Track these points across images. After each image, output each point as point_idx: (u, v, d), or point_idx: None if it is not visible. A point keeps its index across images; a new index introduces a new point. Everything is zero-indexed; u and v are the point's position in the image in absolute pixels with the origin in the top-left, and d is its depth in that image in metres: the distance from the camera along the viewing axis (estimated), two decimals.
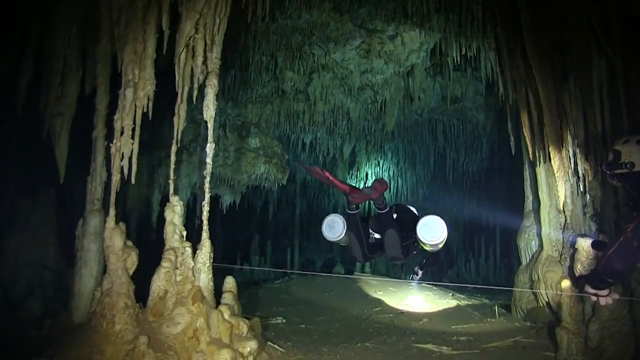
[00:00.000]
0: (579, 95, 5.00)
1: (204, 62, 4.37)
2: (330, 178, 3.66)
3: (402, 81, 9.15)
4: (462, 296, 8.03)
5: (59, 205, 6.49)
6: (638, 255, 2.06)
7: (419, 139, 11.83)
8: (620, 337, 4.41)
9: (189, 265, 4.09)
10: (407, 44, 7.85)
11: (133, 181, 4.05)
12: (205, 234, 4.25)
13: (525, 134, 5.53)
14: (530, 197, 6.82)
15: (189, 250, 4.13)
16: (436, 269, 5.97)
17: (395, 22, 7.59)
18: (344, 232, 4.39)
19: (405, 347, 5.19)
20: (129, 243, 3.97)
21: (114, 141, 3.97)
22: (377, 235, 4.67)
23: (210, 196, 4.34)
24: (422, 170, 12.55)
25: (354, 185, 4.65)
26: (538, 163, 5.86)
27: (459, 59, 8.23)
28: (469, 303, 7.44)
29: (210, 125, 4.43)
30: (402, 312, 6.78)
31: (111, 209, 3.90)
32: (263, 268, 10.96)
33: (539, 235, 6.17)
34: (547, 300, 5.86)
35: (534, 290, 5.72)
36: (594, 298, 2.31)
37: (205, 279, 4.17)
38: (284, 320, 6.24)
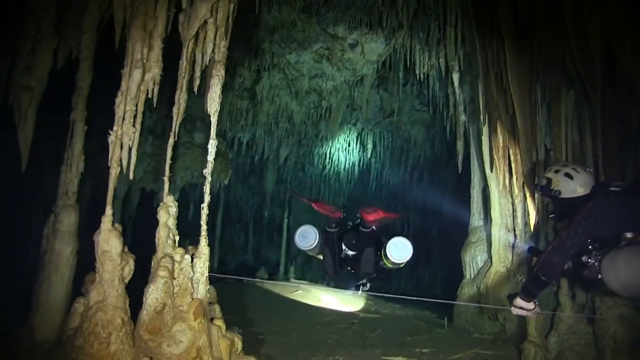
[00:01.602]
0: (548, 124, 5.47)
1: (213, 50, 3.97)
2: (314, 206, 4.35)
3: (349, 90, 9.23)
4: (397, 306, 8.27)
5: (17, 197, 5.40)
6: (569, 254, 2.61)
7: (347, 147, 12.04)
8: (579, 349, 4.86)
9: (188, 275, 3.65)
10: (366, 54, 7.92)
11: (132, 175, 3.52)
12: (204, 241, 3.82)
13: (496, 156, 5.84)
14: (476, 215, 7.27)
15: (188, 258, 3.68)
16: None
17: (358, 31, 7.62)
18: (316, 243, 4.58)
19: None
20: (125, 248, 3.42)
21: (115, 128, 3.41)
22: (350, 252, 4.86)
23: (147, 191, 3.96)
24: (346, 178, 12.78)
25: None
26: (498, 183, 6.26)
27: (407, 75, 8.60)
28: (410, 313, 7.68)
29: (214, 120, 4.03)
30: (353, 322, 6.78)
31: (108, 207, 3.34)
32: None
33: (489, 251, 6.60)
34: (494, 313, 6.29)
35: (490, 305, 6.05)
36: (517, 311, 2.80)
37: (202, 290, 3.74)
38: (240, 331, 5.86)
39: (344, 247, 4.89)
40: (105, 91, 4.04)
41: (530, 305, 2.79)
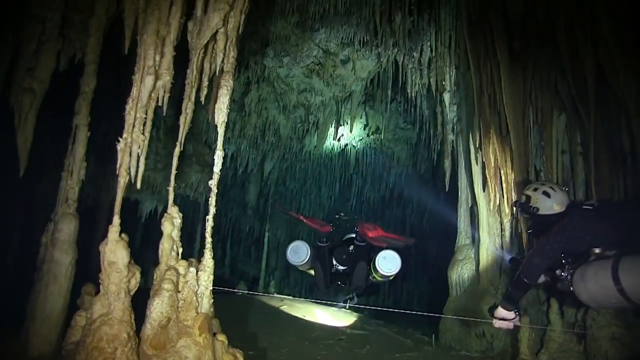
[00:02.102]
0: (540, 146, 5.63)
1: (223, 60, 3.93)
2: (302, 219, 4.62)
3: (336, 106, 9.28)
4: (380, 322, 8.25)
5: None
6: (549, 257, 2.81)
7: (329, 162, 12.06)
8: None
9: (193, 288, 3.54)
10: (357, 70, 8.01)
11: (139, 184, 3.43)
12: (208, 253, 3.73)
13: (488, 175, 5.95)
14: (463, 233, 7.37)
15: (193, 270, 3.58)
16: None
17: (350, 47, 7.70)
18: (308, 258, 4.70)
19: None
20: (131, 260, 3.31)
21: (124, 135, 3.32)
22: (341, 267, 4.97)
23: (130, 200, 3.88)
24: (327, 193, 12.78)
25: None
26: (487, 203, 6.37)
27: (394, 93, 8.72)
28: (394, 330, 7.67)
29: (220, 131, 3.98)
30: (341, 338, 6.71)
31: (115, 217, 3.23)
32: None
33: (477, 269, 6.69)
34: (481, 330, 6.34)
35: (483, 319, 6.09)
36: (499, 324, 2.95)
37: (207, 304, 3.64)
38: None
39: (334, 262, 5.02)
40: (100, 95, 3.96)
41: (511, 315, 2.93)
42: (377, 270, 4.41)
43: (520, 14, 5.48)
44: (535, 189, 3.12)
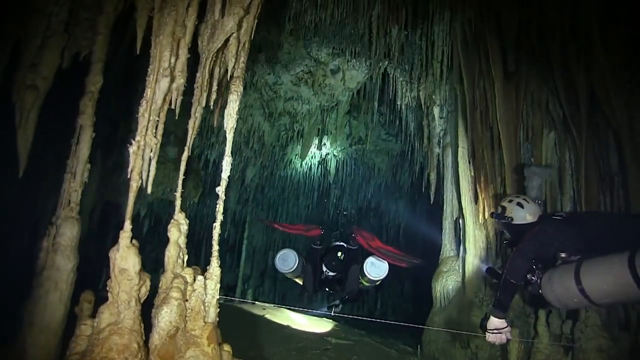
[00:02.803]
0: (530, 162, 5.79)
1: (234, 65, 3.88)
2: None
3: (321, 115, 9.30)
4: (362, 332, 8.25)
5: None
6: (528, 257, 3.00)
7: (308, 171, 12.04)
8: None
9: (201, 297, 3.45)
10: (346, 80, 8.06)
11: (149, 189, 3.34)
12: (215, 261, 3.65)
13: (479, 189, 6.07)
14: (448, 245, 7.48)
15: (201, 279, 3.49)
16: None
17: (342, 58, 7.75)
18: (296, 265, 4.77)
19: None
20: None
21: (137, 138, 3.22)
22: (331, 273, 5.05)
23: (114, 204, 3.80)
24: (304, 202, 12.74)
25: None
26: (474, 215, 6.50)
27: (379, 105, 8.82)
28: (378, 341, 7.68)
29: (229, 137, 3.92)
30: (327, 348, 6.67)
31: (127, 222, 3.11)
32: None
33: (462, 281, 6.79)
34: (466, 341, 6.43)
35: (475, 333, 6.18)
36: (492, 338, 3.02)
37: (213, 314, 3.55)
38: None
39: (324, 268, 5.07)
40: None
41: (503, 323, 3.02)
42: (365, 275, 4.63)
43: (514, 33, 5.65)
44: (510, 201, 3.39)
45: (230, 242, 13.00)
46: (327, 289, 5.25)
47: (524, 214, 3.26)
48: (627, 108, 4.72)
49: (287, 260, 4.71)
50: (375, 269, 4.60)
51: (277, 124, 9.21)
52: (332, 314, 5.39)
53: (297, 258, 4.78)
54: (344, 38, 7.28)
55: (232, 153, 9.99)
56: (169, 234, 3.65)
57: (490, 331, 3.06)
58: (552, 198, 5.70)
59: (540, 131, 5.72)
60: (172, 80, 3.35)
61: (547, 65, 5.43)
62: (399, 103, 7.66)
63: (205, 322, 3.41)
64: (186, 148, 3.82)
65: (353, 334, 7.79)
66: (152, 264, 12.13)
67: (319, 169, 11.97)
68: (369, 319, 5.50)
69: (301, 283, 5.12)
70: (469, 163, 6.59)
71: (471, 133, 6.13)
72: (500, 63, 5.74)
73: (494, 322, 3.02)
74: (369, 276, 4.59)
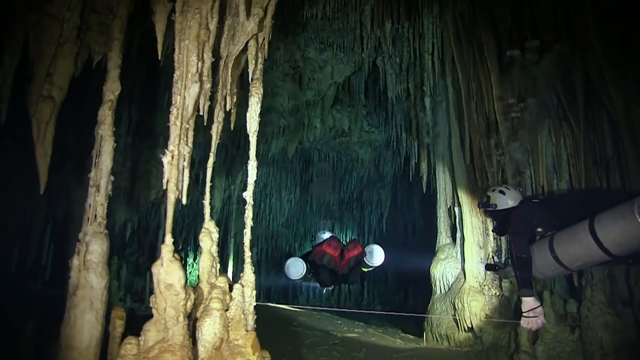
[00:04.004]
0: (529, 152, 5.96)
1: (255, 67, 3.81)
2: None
3: (307, 109, 9.24)
4: (360, 323, 8.34)
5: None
6: (524, 233, 3.30)
7: (290, 166, 11.98)
8: (565, 355, 5.30)
9: (240, 305, 3.40)
10: (335, 75, 8.04)
11: (185, 199, 3.25)
12: (249, 267, 3.60)
13: (478, 177, 6.21)
14: (443, 233, 7.63)
15: (239, 287, 3.43)
16: None
17: (329, 52, 7.72)
18: (305, 270, 5.14)
19: None
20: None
21: (171, 148, 3.12)
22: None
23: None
24: (287, 196, 12.67)
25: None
26: (470, 204, 6.65)
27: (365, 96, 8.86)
28: (379, 331, 7.78)
29: (252, 140, 3.86)
30: (335, 343, 6.71)
31: (168, 236, 3.01)
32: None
33: (462, 267, 6.96)
34: (470, 326, 6.61)
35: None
36: (528, 322, 3.18)
37: (251, 321, 3.51)
38: None
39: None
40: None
41: (536, 301, 3.20)
42: (366, 264, 5.12)
43: (508, 25, 5.78)
44: (493, 190, 3.79)
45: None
46: (335, 282, 5.65)
47: (506, 200, 3.64)
48: (623, 94, 4.90)
49: (297, 267, 5.08)
50: (374, 255, 5.02)
51: (263, 119, 9.06)
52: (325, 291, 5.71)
53: (304, 263, 5.15)
54: (333, 32, 7.25)
55: (217, 151, 9.69)
56: (201, 243, 3.58)
57: (526, 314, 3.19)
58: (549, 183, 5.90)
59: (536, 118, 5.88)
60: (201, 85, 3.26)
61: (543, 55, 5.58)
62: (390, 95, 7.70)
63: (247, 331, 3.37)
64: (211, 154, 3.77)
65: (355, 326, 7.87)
66: (132, 268, 11.84)
67: (301, 163, 11.94)
68: (375, 312, 5.59)
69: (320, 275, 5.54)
70: (464, 152, 6.73)
71: (468, 123, 6.24)
72: (495, 55, 5.86)
73: (527, 302, 3.18)
74: (370, 263, 5.00)
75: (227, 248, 12.92)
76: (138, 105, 7.27)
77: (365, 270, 5.30)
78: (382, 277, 13.43)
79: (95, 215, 3.37)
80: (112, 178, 3.47)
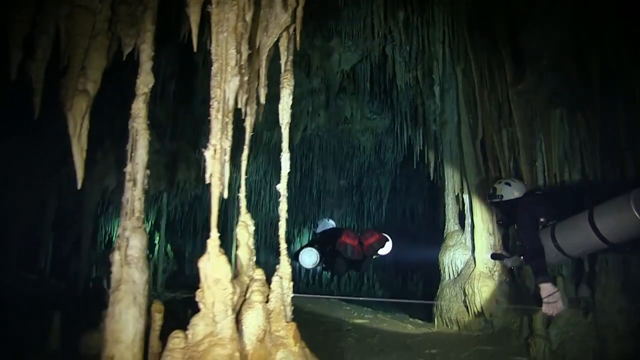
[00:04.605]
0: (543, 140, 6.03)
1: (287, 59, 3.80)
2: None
3: (311, 97, 9.22)
4: (369, 309, 8.45)
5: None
6: (532, 225, 3.57)
7: (290, 152, 11.89)
8: (579, 338, 5.44)
9: (280, 297, 3.43)
10: (342, 63, 8.00)
11: (226, 194, 3.25)
12: (285, 259, 3.63)
13: (490, 166, 6.28)
14: (451, 220, 7.72)
15: (278, 279, 3.46)
16: None
17: (337, 39, 7.67)
18: (319, 259, 5.37)
19: None
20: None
21: (213, 142, 3.12)
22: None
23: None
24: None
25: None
26: (481, 192, 6.73)
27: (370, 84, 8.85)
28: (388, 317, 7.89)
29: (285, 132, 3.87)
30: (348, 329, 6.80)
31: (213, 231, 3.03)
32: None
33: (472, 254, 7.07)
34: (480, 311, 6.74)
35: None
36: (549, 308, 3.41)
37: (289, 312, 3.55)
38: None
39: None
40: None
41: (553, 287, 3.42)
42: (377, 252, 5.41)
43: (522, 12, 5.79)
44: (499, 182, 4.06)
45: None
46: (348, 270, 6.01)
47: (511, 191, 3.89)
48: None
49: (311, 257, 5.31)
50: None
51: (267, 108, 9.01)
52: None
53: (317, 253, 5.36)
54: (342, 20, 7.20)
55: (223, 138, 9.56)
56: (238, 236, 3.62)
57: (547, 300, 3.40)
58: (560, 171, 5.98)
59: (549, 107, 5.94)
60: (241, 78, 3.24)
61: (558, 43, 5.60)
62: (398, 83, 7.70)
63: (287, 322, 3.41)
64: (245, 147, 3.77)
65: (365, 312, 7.98)
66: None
67: (302, 149, 11.92)
68: (386, 299, 5.69)
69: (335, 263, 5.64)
70: (474, 140, 6.80)
71: (481, 111, 6.28)
72: (509, 44, 5.88)
73: (545, 287, 3.40)
74: (380, 253, 5.32)
75: (227, 236, 12.97)
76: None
77: (374, 257, 5.59)
78: (380, 263, 13.55)
79: (133, 210, 3.35)
80: (147, 172, 3.44)
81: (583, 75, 5.48)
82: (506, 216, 4.04)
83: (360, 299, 8.16)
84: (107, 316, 3.19)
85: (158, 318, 3.55)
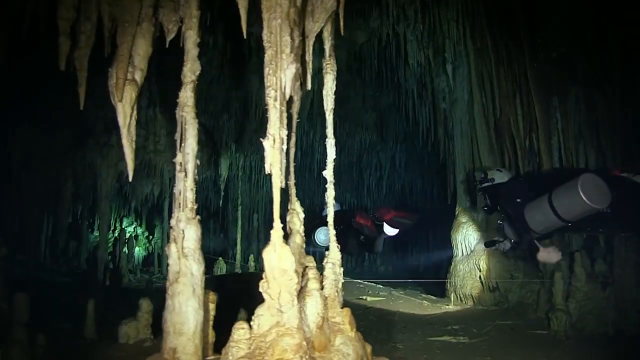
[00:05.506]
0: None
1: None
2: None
3: (317, 76, 9.08)
4: (380, 286, 8.59)
5: None
6: (517, 206, 4.09)
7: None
8: (597, 311, 5.63)
9: (334, 283, 3.46)
10: (351, 43, 7.91)
11: (283, 183, 3.23)
12: (334, 245, 3.64)
13: (506, 145, 6.35)
14: (463, 197, 7.83)
15: (331, 265, 3.48)
16: None
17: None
18: None
19: (428, 342, 5.41)
20: None
21: (272, 132, 3.07)
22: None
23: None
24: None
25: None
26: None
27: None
28: (402, 293, 8.03)
29: (329, 118, 3.83)
30: (368, 308, 6.92)
31: (277, 221, 3.00)
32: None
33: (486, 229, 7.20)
34: (494, 286, 6.92)
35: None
36: (543, 255, 4.12)
37: (341, 298, 3.59)
38: None
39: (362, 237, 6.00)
40: None
41: (544, 246, 4.14)
42: (385, 233, 5.85)
43: None
44: (490, 169, 4.76)
45: (213, 209, 12.76)
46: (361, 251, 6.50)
47: (502, 175, 4.47)
48: None
49: (327, 236, 5.28)
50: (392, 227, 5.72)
51: None
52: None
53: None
54: None
55: (227, 120, 9.62)
56: (289, 224, 3.62)
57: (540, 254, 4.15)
58: (575, 149, 6.07)
59: (565, 87, 5.99)
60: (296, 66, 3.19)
61: (576, 23, 5.62)
62: (410, 62, 7.66)
63: (341, 308, 3.45)
64: (292, 134, 3.73)
65: (379, 290, 8.11)
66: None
67: (302, 129, 11.85)
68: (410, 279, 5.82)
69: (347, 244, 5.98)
70: (487, 118, 6.85)
71: (497, 90, 6.31)
72: (527, 21, 5.88)
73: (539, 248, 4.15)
74: (389, 233, 5.76)
75: (227, 214, 12.97)
76: (155, 77, 7.02)
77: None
78: (387, 241, 13.72)
79: (186, 201, 3.31)
80: (197, 162, 3.39)
81: (602, 52, 5.51)
82: (491, 201, 4.50)
83: (376, 280, 8.29)
84: (166, 309, 3.20)
85: (212, 308, 3.58)
